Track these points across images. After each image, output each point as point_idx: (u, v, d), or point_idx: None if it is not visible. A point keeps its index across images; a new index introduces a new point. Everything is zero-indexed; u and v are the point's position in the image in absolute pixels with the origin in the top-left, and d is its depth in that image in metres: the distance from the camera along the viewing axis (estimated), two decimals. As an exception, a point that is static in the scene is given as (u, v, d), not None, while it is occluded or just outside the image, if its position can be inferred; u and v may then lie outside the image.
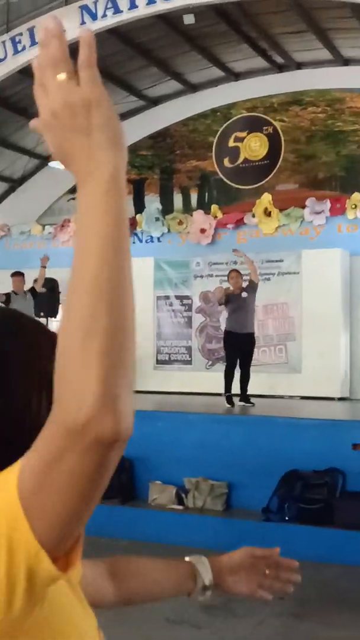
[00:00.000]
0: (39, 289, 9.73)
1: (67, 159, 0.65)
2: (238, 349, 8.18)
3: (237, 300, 8.10)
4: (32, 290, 9.70)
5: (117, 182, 0.63)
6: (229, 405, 7.96)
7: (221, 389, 9.70)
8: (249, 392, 8.21)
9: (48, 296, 11.31)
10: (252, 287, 8.17)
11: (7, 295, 9.22)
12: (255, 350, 9.58)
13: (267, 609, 4.29)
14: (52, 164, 11.46)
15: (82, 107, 0.64)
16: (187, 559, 1.14)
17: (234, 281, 8.19)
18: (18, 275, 9.56)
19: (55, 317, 11.56)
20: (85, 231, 0.62)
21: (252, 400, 8.19)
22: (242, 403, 8.15)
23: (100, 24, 9.21)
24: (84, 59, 0.64)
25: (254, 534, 5.49)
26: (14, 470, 0.64)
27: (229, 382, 8.15)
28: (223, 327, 10.19)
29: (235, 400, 8.11)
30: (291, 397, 9.61)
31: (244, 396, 8.18)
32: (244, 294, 8.08)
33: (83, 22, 9.10)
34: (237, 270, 8.37)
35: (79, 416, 0.58)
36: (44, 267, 9.82)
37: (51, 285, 11.35)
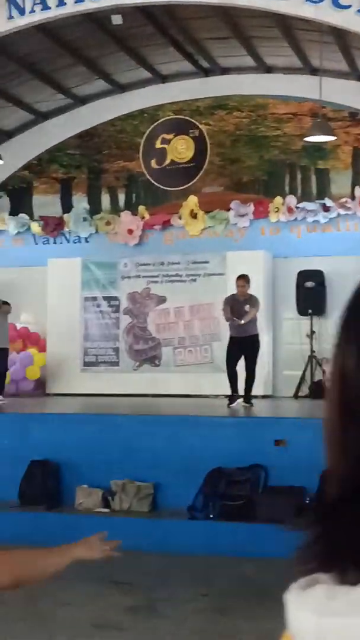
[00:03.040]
0: None
1: None
2: (241, 352, 8.36)
3: (242, 306, 8.34)
4: None
5: None
6: (232, 405, 8.18)
7: (148, 389, 9.82)
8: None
9: None
10: (254, 302, 8.40)
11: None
12: (182, 350, 9.77)
13: (190, 605, 4.44)
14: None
15: None
16: None
17: (241, 289, 8.33)
18: None
19: None
20: None
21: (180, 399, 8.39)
22: (245, 404, 8.35)
23: (28, 20, 9.09)
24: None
25: (179, 533, 5.65)
26: None
27: (235, 382, 8.34)
28: (150, 328, 10.34)
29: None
30: (216, 396, 9.83)
31: (247, 397, 8.39)
32: (247, 306, 8.32)
33: (11, 17, 8.97)
34: (244, 278, 8.48)
35: None
36: None
37: None
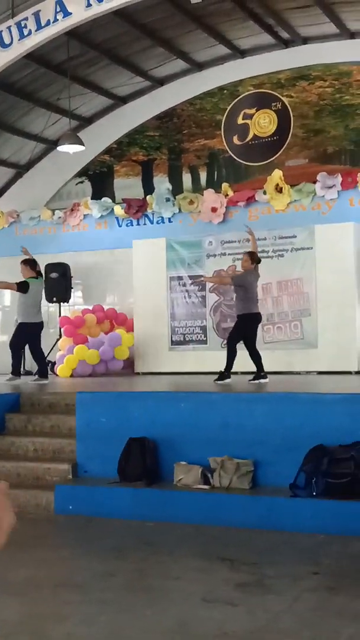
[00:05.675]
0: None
1: None
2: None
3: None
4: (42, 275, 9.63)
5: None
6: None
7: (237, 367, 9.70)
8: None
9: (59, 281, 11.31)
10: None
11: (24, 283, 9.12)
12: (271, 326, 9.61)
13: (302, 584, 4.33)
14: (60, 148, 11.38)
15: None
16: None
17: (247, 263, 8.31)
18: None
19: (67, 302, 11.57)
20: None
21: (269, 376, 8.30)
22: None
23: (107, 6, 9.06)
24: None
25: (282, 510, 5.53)
26: None
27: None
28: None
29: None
30: (308, 372, 9.62)
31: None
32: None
33: (89, 5, 8.97)
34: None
35: None
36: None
37: (62, 270, 11.35)
